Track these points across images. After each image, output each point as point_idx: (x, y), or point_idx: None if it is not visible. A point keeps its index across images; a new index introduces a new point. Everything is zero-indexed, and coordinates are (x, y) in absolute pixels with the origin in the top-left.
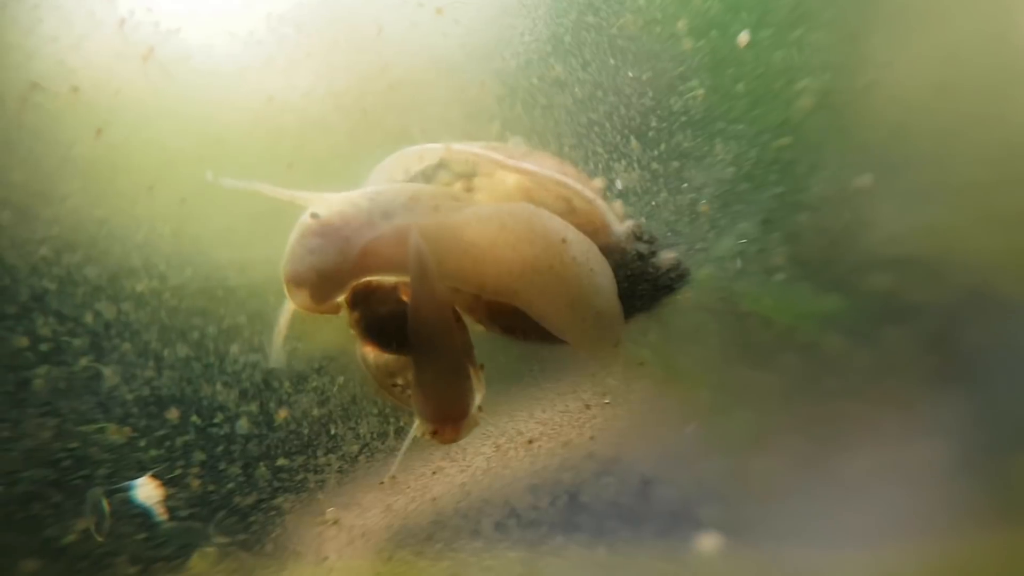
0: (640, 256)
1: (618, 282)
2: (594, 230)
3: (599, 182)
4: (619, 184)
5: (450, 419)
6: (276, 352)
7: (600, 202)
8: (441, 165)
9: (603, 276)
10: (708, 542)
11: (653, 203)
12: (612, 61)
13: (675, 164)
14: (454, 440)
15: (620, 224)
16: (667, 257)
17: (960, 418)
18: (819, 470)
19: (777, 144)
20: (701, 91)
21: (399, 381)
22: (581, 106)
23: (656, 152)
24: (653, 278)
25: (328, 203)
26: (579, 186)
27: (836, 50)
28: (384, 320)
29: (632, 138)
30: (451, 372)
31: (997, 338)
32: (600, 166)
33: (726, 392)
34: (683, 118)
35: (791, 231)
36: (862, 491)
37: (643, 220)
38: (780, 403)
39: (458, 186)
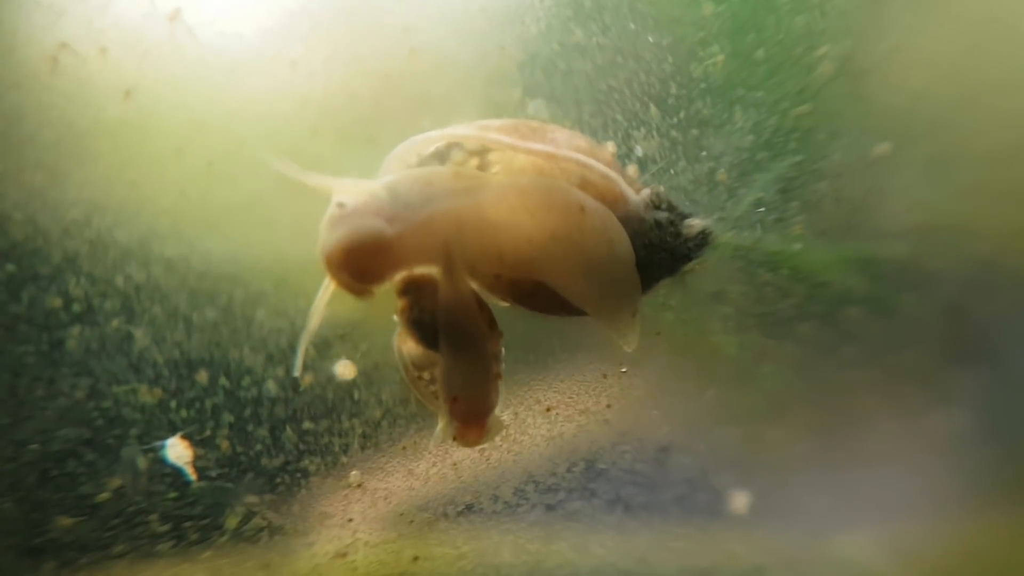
0: (658, 224)
1: (636, 251)
2: (611, 202)
3: (611, 146)
4: (639, 151)
5: (473, 418)
6: (300, 362)
7: (614, 175)
8: (453, 144)
9: (621, 245)
10: (739, 501)
11: (672, 171)
12: (632, 26)
13: (694, 132)
14: (477, 442)
15: (636, 194)
16: (691, 224)
17: (978, 388)
18: (835, 440)
19: (797, 111)
20: (721, 57)
21: (426, 376)
22: (601, 72)
23: (675, 119)
24: (671, 247)
25: (352, 192)
26: (592, 161)
27: (858, 15)
28: (428, 314)
29: (652, 105)
30: (478, 374)
31: (1015, 307)
32: (619, 133)
33: (743, 361)
34: (703, 84)
35: (810, 199)
36: (878, 462)
37: (661, 188)
38: (797, 372)
39: (472, 163)
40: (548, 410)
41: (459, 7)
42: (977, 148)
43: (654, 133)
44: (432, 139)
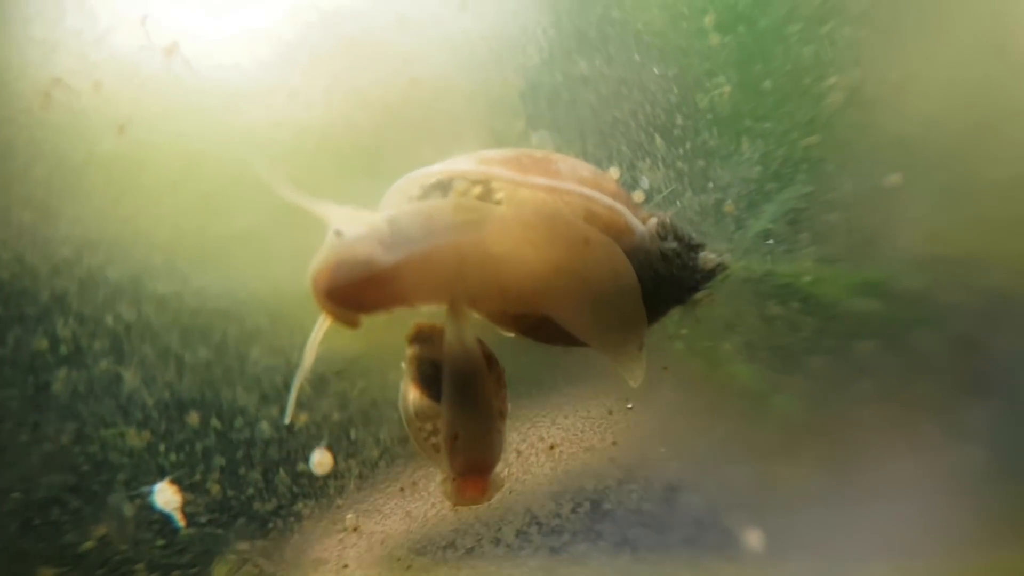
0: (664, 256)
1: (643, 283)
2: (617, 233)
3: (615, 172)
4: (644, 182)
5: (472, 474)
6: (293, 403)
7: (619, 206)
8: (456, 175)
9: (626, 278)
10: (753, 539)
11: (678, 203)
12: (637, 57)
13: (700, 163)
14: (477, 499)
15: (643, 224)
16: (700, 256)
17: (993, 422)
18: (848, 475)
19: (805, 142)
20: (728, 87)
21: (429, 427)
22: (605, 103)
23: (681, 150)
24: (679, 278)
25: (351, 221)
26: (596, 193)
27: (867, 45)
28: (434, 366)
29: (657, 136)
30: (480, 429)
31: None
32: (624, 164)
33: (753, 396)
34: (709, 115)
35: (820, 231)
36: (893, 499)
37: (668, 217)
38: (808, 406)
39: (476, 191)
40: (552, 448)
41: (460, 37)
42: (989, 178)
43: (660, 164)
44: (434, 172)
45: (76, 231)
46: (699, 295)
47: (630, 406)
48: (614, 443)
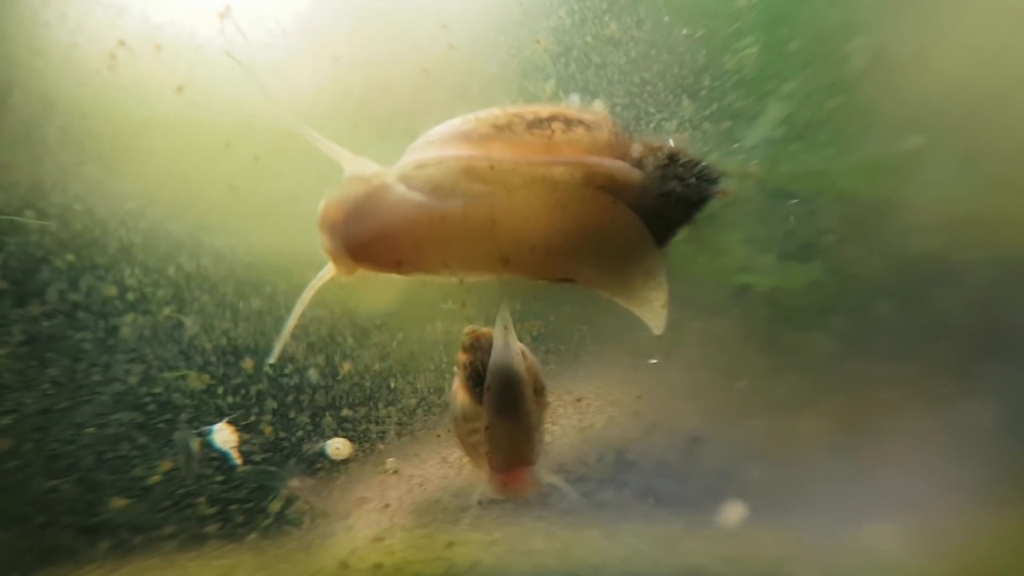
0: (665, 193)
1: (650, 226)
2: (616, 187)
3: (599, 104)
4: (671, 143)
5: (513, 466)
6: (280, 347)
7: (616, 163)
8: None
9: (648, 241)
10: (734, 512)
11: (703, 163)
12: (667, 19)
13: (727, 124)
14: (516, 494)
15: (635, 169)
16: (703, 170)
17: (1009, 382)
18: (865, 432)
19: (830, 104)
20: (754, 49)
21: (471, 427)
22: (634, 65)
23: (708, 112)
24: (682, 200)
25: (363, 167)
26: (592, 159)
27: (892, 8)
28: (482, 371)
29: (684, 97)
30: (518, 428)
31: None
32: (652, 125)
33: (774, 353)
34: (736, 77)
35: (842, 192)
36: (908, 455)
37: (643, 137)
38: (828, 365)
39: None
40: (578, 400)
41: (495, 1)
42: (1011, 142)
43: (687, 125)
44: (425, 160)
45: (140, 187)
46: (707, 206)
47: (654, 361)
48: (639, 397)
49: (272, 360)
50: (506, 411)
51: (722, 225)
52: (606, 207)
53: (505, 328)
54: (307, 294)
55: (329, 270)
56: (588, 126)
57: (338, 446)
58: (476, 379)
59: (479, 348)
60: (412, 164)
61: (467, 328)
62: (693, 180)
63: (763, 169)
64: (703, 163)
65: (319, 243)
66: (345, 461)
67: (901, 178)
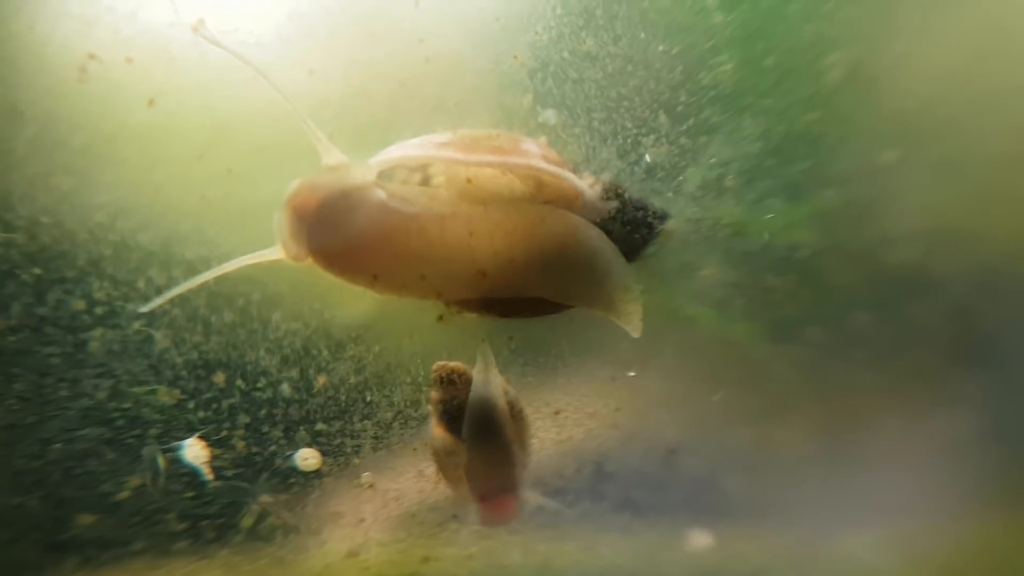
0: (613, 215)
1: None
2: (567, 202)
3: (543, 141)
4: (648, 158)
5: (497, 494)
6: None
7: (565, 172)
8: (398, 164)
9: (592, 238)
10: (699, 539)
11: (680, 178)
12: (643, 35)
13: (703, 139)
14: (501, 521)
15: (590, 188)
16: (647, 215)
17: (984, 391)
18: (842, 441)
19: (806, 118)
20: (730, 65)
21: (454, 461)
22: (611, 80)
23: (684, 127)
24: (627, 237)
25: (342, 160)
26: (542, 163)
27: (867, 22)
28: (458, 407)
29: (661, 112)
30: (499, 459)
31: (1022, 311)
32: (629, 140)
33: (751, 364)
34: (712, 92)
35: (818, 205)
36: (885, 463)
37: (609, 178)
38: (805, 374)
39: (416, 179)
40: (557, 413)
41: (474, 15)
42: (985, 153)
43: (663, 140)
44: (376, 161)
45: (111, 198)
46: (650, 250)
47: (633, 374)
48: (617, 409)
49: (144, 309)
50: (486, 443)
51: (664, 261)
52: (578, 224)
53: (485, 363)
54: (236, 265)
55: (276, 252)
56: (535, 143)
57: (307, 456)
58: (451, 416)
59: (451, 383)
60: (384, 161)
61: (436, 364)
62: (635, 222)
63: (739, 183)
64: (646, 207)
65: (276, 221)
66: (318, 473)
67: (877, 189)
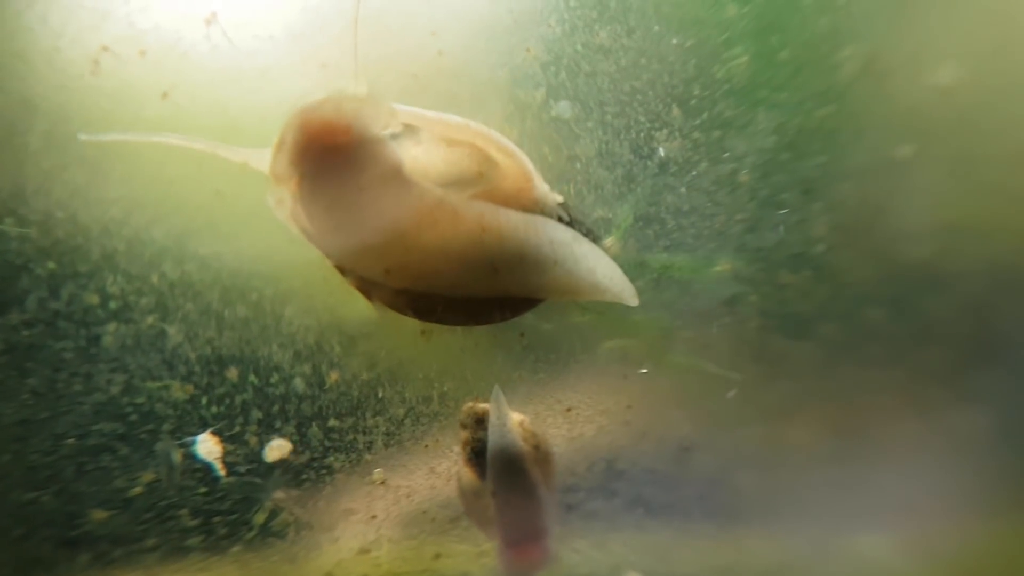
0: (560, 220)
1: None
2: (517, 188)
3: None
4: (661, 152)
5: (522, 541)
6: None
7: (519, 152)
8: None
9: (572, 235)
10: None
11: (693, 173)
12: (656, 28)
13: (717, 133)
14: (529, 569)
15: (543, 182)
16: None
17: (999, 389)
18: (856, 439)
19: (820, 112)
20: (745, 58)
21: (481, 503)
22: (625, 73)
23: (698, 121)
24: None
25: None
26: (501, 137)
27: (882, 15)
28: (485, 447)
29: (675, 106)
30: (525, 503)
31: None
32: (642, 135)
33: (765, 361)
34: (726, 86)
35: (833, 200)
36: (899, 462)
37: (559, 197)
38: (818, 372)
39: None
40: (568, 410)
41: (486, 8)
42: (1001, 148)
43: (677, 134)
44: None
45: (124, 192)
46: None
47: (644, 371)
48: (629, 407)
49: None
50: (510, 489)
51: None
52: (531, 219)
53: (499, 408)
54: (210, 148)
55: (260, 159)
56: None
57: (274, 446)
58: (479, 456)
59: (478, 423)
60: (412, 115)
61: (466, 404)
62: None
63: (753, 178)
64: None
65: (281, 131)
66: (331, 471)
67: (892, 185)
